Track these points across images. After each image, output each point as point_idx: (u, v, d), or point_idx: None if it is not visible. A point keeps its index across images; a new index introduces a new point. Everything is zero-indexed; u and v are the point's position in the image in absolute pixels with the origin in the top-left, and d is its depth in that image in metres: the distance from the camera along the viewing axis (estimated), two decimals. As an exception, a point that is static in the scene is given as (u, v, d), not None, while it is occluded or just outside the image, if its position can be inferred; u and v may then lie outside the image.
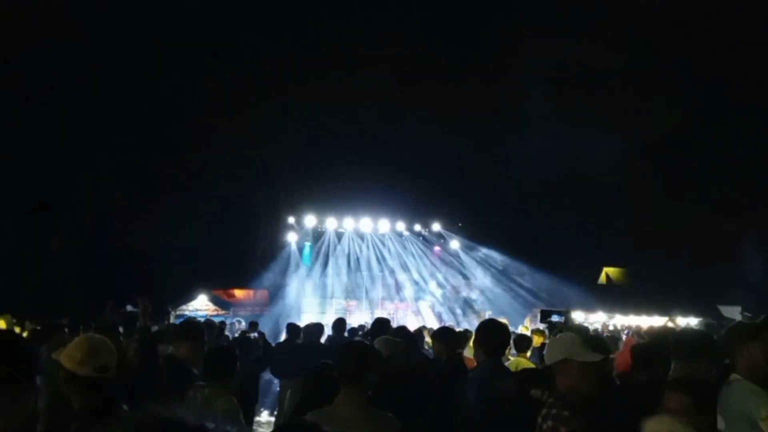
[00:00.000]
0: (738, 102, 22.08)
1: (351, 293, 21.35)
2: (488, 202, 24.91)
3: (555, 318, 14.01)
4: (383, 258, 22.17)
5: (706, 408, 2.51)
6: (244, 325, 12.44)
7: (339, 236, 22.06)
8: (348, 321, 10.36)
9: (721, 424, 2.52)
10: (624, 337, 10.78)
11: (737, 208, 24.13)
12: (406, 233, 22.75)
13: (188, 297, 17.55)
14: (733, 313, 15.71)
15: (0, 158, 17.79)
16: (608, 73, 21.31)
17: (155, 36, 20.03)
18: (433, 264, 23.43)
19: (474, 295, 23.17)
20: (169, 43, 20.53)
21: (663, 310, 17.75)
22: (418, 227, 22.96)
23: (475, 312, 21.62)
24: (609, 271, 26.13)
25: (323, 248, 21.92)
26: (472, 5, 22.92)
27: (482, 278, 23.63)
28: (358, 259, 22.04)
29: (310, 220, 20.91)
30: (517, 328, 12.46)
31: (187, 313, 16.29)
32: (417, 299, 21.79)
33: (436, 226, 23.20)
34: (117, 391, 2.84)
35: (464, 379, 4.05)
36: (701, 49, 19.29)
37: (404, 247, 22.68)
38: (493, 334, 4.01)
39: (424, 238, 23.34)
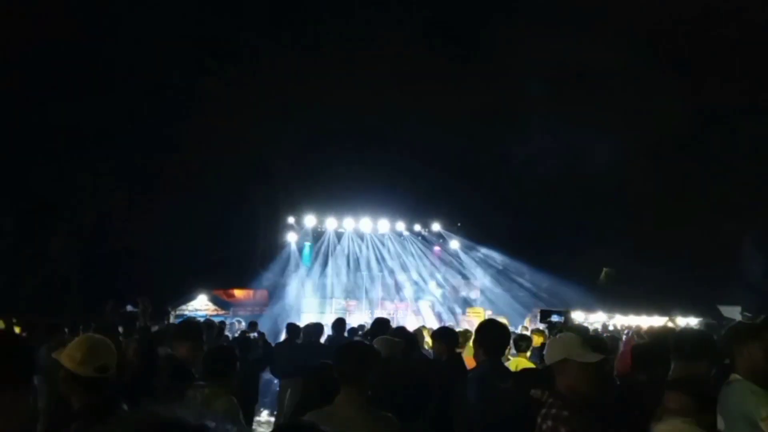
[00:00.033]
0: (738, 102, 22.09)
1: (351, 293, 21.34)
2: (488, 202, 24.92)
3: (555, 318, 14.00)
4: (383, 258, 22.17)
5: (706, 408, 2.51)
6: (243, 325, 12.43)
7: (339, 236, 22.06)
8: (348, 321, 10.35)
9: (721, 424, 2.52)
10: (624, 337, 10.77)
11: (737, 208, 24.13)
12: (405, 233, 22.75)
13: (188, 297, 17.54)
14: (733, 313, 15.67)
15: (0, 158, 17.79)
16: (608, 73, 21.33)
17: (155, 36, 20.05)
18: (432, 264, 23.43)
19: (473, 295, 23.17)
20: (169, 43, 20.54)
21: (663, 310, 17.74)
22: (417, 227, 22.96)
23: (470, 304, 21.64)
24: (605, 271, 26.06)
25: (323, 248, 21.92)
26: (473, 5, 22.94)
27: (482, 278, 23.64)
28: (357, 259, 22.05)
29: (309, 220, 20.91)
30: (517, 328, 12.47)
31: (186, 313, 16.29)
32: (417, 299, 21.79)
33: (436, 226, 23.19)
34: (117, 391, 2.84)
35: (464, 379, 4.04)
36: (701, 49, 19.30)
37: (404, 247, 22.69)
38: (493, 334, 4.01)
39: (423, 238, 23.35)
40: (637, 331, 10.27)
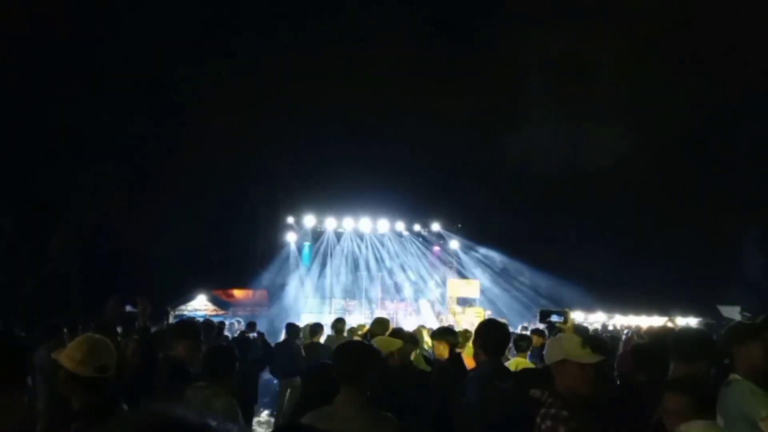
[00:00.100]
0: (737, 102, 22.09)
1: (350, 293, 21.35)
2: (488, 202, 24.92)
3: (554, 318, 14.00)
4: (382, 258, 22.18)
5: (705, 408, 2.51)
6: (243, 325, 12.44)
7: (338, 236, 22.07)
8: (347, 321, 10.36)
9: (720, 424, 2.52)
10: (624, 337, 10.78)
11: (737, 208, 24.15)
12: (405, 233, 22.76)
13: (187, 297, 17.54)
14: (733, 313, 15.67)
15: (0, 158, 17.78)
16: (608, 74, 21.31)
17: (155, 36, 20.04)
18: (432, 264, 23.44)
19: (473, 295, 23.18)
20: (169, 43, 20.52)
21: (663, 310, 17.77)
22: (417, 227, 22.97)
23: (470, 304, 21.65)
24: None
25: (322, 248, 21.93)
26: (473, 5, 22.94)
27: (482, 278, 23.65)
28: (357, 259, 22.06)
29: (309, 220, 20.91)
30: (516, 328, 12.47)
31: (186, 313, 16.29)
32: (416, 299, 21.79)
33: (436, 226, 23.20)
34: (117, 391, 2.84)
35: (464, 379, 4.04)
36: (701, 47, 19.31)
37: (404, 247, 22.69)
38: (493, 334, 4.00)
39: (423, 238, 23.35)
40: (637, 331, 10.28)
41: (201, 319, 10.22)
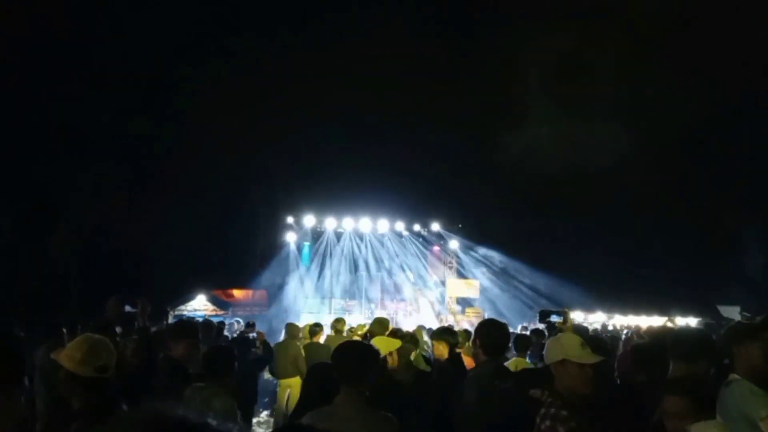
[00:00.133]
0: (737, 102, 22.09)
1: (350, 293, 21.36)
2: (488, 202, 24.91)
3: (554, 318, 14.00)
4: (382, 258, 22.19)
5: (705, 409, 2.51)
6: (242, 325, 12.44)
7: (338, 236, 22.07)
8: (347, 321, 10.36)
9: (720, 424, 2.52)
10: (623, 337, 10.79)
11: (737, 208, 24.16)
12: (405, 233, 22.77)
13: (187, 297, 17.55)
14: (732, 313, 15.69)
15: (0, 158, 17.77)
16: (608, 73, 21.31)
17: (155, 36, 20.03)
18: (432, 264, 23.45)
19: (473, 295, 23.20)
20: (169, 43, 20.53)
21: (662, 310, 17.77)
22: (417, 227, 22.98)
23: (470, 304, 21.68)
24: None
25: (322, 248, 21.94)
26: (473, 4, 22.93)
27: (481, 278, 23.66)
28: (357, 259, 22.06)
29: (309, 220, 20.92)
30: (516, 328, 12.48)
31: (185, 313, 16.31)
32: (416, 299, 21.80)
33: (436, 226, 23.21)
34: (117, 391, 2.84)
35: (464, 379, 4.04)
36: (701, 47, 19.30)
37: (403, 247, 22.70)
38: (492, 334, 4.00)
39: (423, 238, 23.36)
40: (637, 331, 10.28)
41: (200, 319, 10.23)
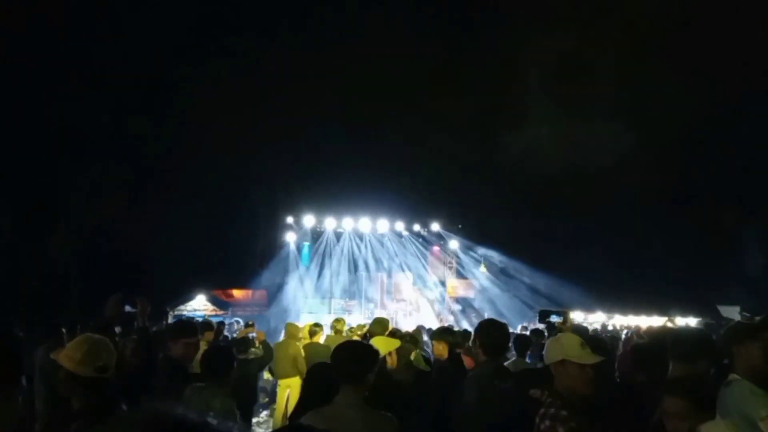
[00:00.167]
0: (737, 102, 22.09)
1: (350, 293, 21.37)
2: (488, 202, 24.91)
3: (554, 318, 14.02)
4: (382, 258, 22.19)
5: (704, 409, 2.51)
6: (242, 325, 12.44)
7: (338, 236, 22.08)
8: (347, 321, 10.36)
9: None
10: (623, 337, 10.79)
11: (737, 208, 24.16)
12: (405, 233, 22.77)
13: (187, 297, 17.56)
14: (732, 312, 15.69)
15: (0, 158, 17.78)
16: (608, 73, 21.32)
17: (155, 36, 20.04)
18: (432, 264, 23.46)
19: (472, 295, 23.22)
20: (169, 43, 20.53)
21: (662, 310, 17.77)
22: (417, 227, 22.98)
23: (475, 310, 21.68)
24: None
25: (322, 248, 21.94)
26: (473, 4, 22.92)
27: (481, 278, 23.67)
28: (356, 259, 22.07)
29: (308, 220, 20.92)
30: (516, 329, 12.48)
31: (185, 313, 16.32)
32: (416, 299, 21.81)
33: (435, 226, 23.21)
34: (117, 391, 2.84)
35: (464, 379, 4.04)
36: (701, 48, 19.30)
37: (403, 247, 22.71)
38: (492, 334, 4.00)
39: (423, 238, 23.36)
40: (637, 331, 10.29)
41: (200, 319, 10.23)
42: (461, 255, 23.76)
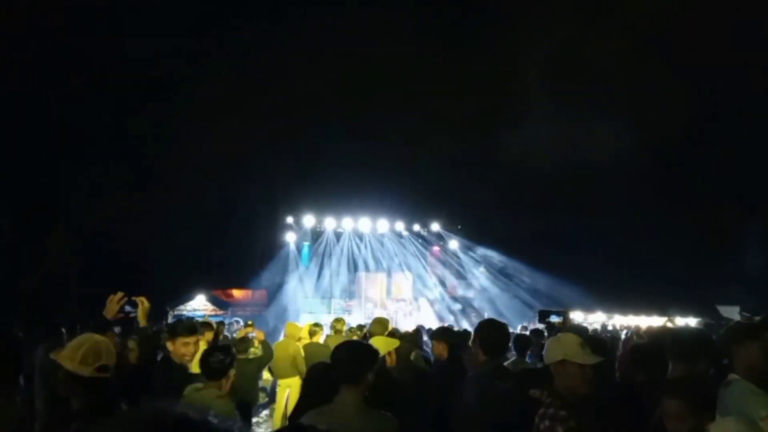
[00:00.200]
0: (737, 102, 22.11)
1: (349, 293, 21.37)
2: (488, 202, 24.89)
3: (553, 318, 14.04)
4: (382, 258, 22.21)
5: (704, 409, 2.51)
6: (242, 325, 12.45)
7: (338, 236, 22.08)
8: (347, 321, 10.37)
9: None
10: (623, 337, 10.79)
11: (737, 207, 24.15)
12: (405, 233, 22.77)
13: (186, 297, 17.56)
14: (732, 312, 15.71)
15: (0, 158, 17.78)
16: (608, 73, 21.33)
17: (155, 36, 20.03)
18: (431, 264, 23.47)
19: (472, 295, 23.22)
20: (169, 43, 20.52)
21: (662, 310, 17.76)
22: (417, 227, 22.98)
23: (475, 310, 21.69)
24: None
25: (322, 248, 21.95)
26: (473, 4, 22.92)
27: (481, 278, 23.67)
28: (356, 259, 22.08)
29: (308, 220, 20.92)
30: (516, 329, 12.49)
31: (185, 313, 16.33)
32: (416, 299, 21.82)
33: (435, 226, 23.22)
34: (117, 391, 2.84)
35: (464, 379, 4.04)
36: (701, 48, 19.30)
37: (403, 247, 22.72)
38: (492, 334, 4.00)
39: (423, 238, 23.37)
40: (636, 331, 10.29)
41: (200, 319, 10.23)
42: (461, 255, 23.76)
